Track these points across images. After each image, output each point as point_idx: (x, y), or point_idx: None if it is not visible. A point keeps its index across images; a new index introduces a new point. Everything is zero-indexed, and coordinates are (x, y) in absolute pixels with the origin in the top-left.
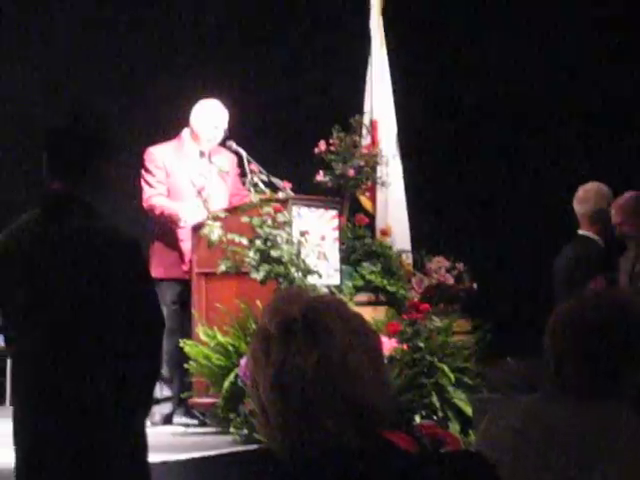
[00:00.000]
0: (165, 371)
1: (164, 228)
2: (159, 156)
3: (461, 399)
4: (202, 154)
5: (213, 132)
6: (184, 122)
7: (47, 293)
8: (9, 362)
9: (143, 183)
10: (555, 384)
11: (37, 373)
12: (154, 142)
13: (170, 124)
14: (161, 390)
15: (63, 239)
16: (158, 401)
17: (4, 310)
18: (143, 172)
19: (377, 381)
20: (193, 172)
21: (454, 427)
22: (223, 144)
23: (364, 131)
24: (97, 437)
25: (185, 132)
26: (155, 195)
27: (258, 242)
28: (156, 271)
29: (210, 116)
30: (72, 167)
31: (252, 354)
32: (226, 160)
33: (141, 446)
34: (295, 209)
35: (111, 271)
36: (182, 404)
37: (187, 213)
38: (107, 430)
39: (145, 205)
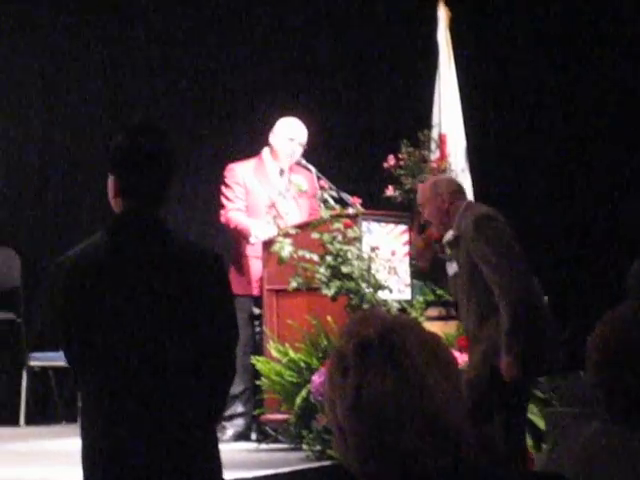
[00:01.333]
0: (237, 387)
1: (238, 244)
2: (240, 173)
3: (534, 413)
4: (282, 172)
5: (292, 148)
6: (264, 141)
7: (123, 311)
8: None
9: (222, 198)
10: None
11: (112, 395)
12: (234, 160)
13: (250, 142)
14: (234, 406)
15: (139, 258)
16: (232, 417)
17: (72, 330)
18: (223, 187)
19: (455, 400)
20: (272, 191)
21: (527, 441)
22: (299, 163)
23: (433, 145)
24: (173, 454)
25: (265, 151)
26: (232, 210)
27: (329, 258)
28: (232, 286)
29: (289, 132)
30: (140, 185)
31: (329, 375)
32: (304, 179)
33: (216, 463)
34: (365, 224)
35: (190, 287)
36: (254, 421)
37: (258, 229)
38: (183, 446)
39: (222, 219)
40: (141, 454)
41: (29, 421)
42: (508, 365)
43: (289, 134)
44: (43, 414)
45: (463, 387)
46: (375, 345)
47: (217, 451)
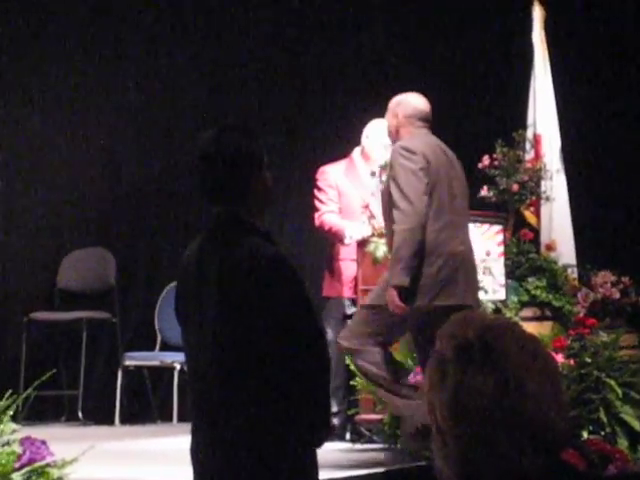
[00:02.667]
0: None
1: (331, 247)
2: (332, 175)
3: (629, 414)
4: (373, 174)
5: (383, 151)
6: (354, 141)
7: (198, 312)
8: (176, 378)
9: (315, 201)
10: None
11: (204, 394)
12: (325, 161)
13: (340, 143)
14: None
15: (212, 260)
16: None
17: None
18: (315, 190)
19: (555, 402)
20: (364, 192)
21: (622, 443)
22: None
23: (528, 145)
24: (269, 454)
25: (355, 152)
26: (326, 212)
27: None
28: (325, 288)
29: (381, 135)
30: (227, 189)
31: (428, 376)
32: None
33: (311, 463)
34: None
35: (273, 292)
36: (349, 421)
37: (352, 230)
38: (278, 447)
39: (316, 222)
40: (234, 450)
41: (124, 420)
42: (388, 296)
43: (385, 141)
44: (138, 413)
45: (563, 388)
46: (474, 347)
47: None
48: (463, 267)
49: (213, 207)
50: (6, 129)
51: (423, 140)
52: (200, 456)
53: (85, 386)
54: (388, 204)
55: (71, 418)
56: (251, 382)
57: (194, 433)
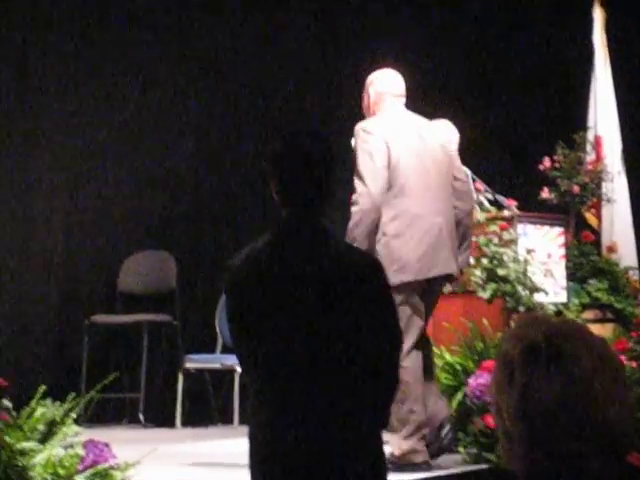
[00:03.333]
0: None
1: None
2: None
3: None
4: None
5: None
6: None
7: (284, 315)
8: (237, 380)
9: None
10: None
11: (279, 394)
12: None
13: None
14: None
15: (299, 263)
16: None
17: (238, 333)
18: None
19: (621, 405)
20: None
21: None
22: None
23: (588, 147)
24: (338, 456)
25: None
26: None
27: (484, 261)
28: None
29: None
30: (299, 190)
31: (495, 379)
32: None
33: (380, 465)
34: (521, 227)
35: (353, 291)
36: None
37: None
38: (349, 449)
39: None
40: (306, 454)
41: (185, 423)
42: None
43: None
44: (199, 416)
45: (630, 391)
46: (542, 349)
47: (382, 454)
48: (441, 238)
49: (284, 209)
50: (70, 133)
51: (388, 120)
52: (290, 452)
53: (146, 389)
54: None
55: (132, 421)
56: (344, 370)
57: (276, 433)
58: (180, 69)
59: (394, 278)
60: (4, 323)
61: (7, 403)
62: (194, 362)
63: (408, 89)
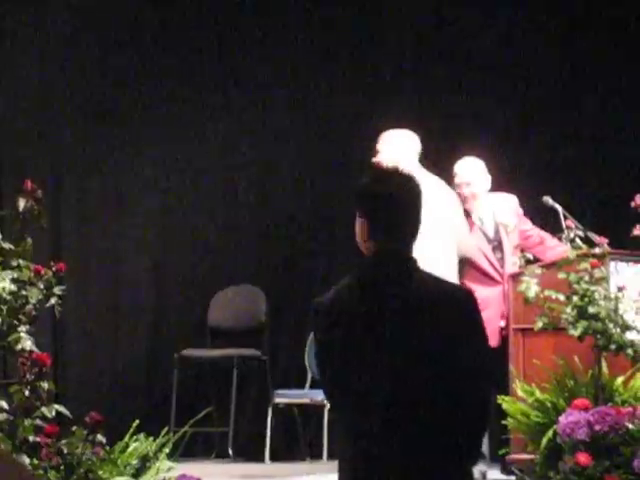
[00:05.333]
0: None
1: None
2: None
3: None
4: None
5: (464, 189)
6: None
7: (376, 353)
8: (326, 415)
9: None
10: None
11: (368, 430)
12: None
13: None
14: None
15: (390, 299)
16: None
17: (327, 370)
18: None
19: None
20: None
21: None
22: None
23: None
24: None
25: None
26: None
27: (575, 298)
28: None
29: (457, 172)
30: (391, 228)
31: None
32: (506, 213)
33: None
34: (612, 264)
35: (442, 326)
36: (499, 460)
37: None
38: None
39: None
40: None
41: (274, 458)
42: None
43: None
44: (288, 451)
45: None
46: None
47: None
48: None
49: (374, 244)
50: (160, 166)
51: None
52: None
53: (236, 423)
54: None
55: (221, 455)
56: (434, 405)
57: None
58: (271, 94)
59: None
60: (96, 356)
61: (101, 438)
62: (283, 397)
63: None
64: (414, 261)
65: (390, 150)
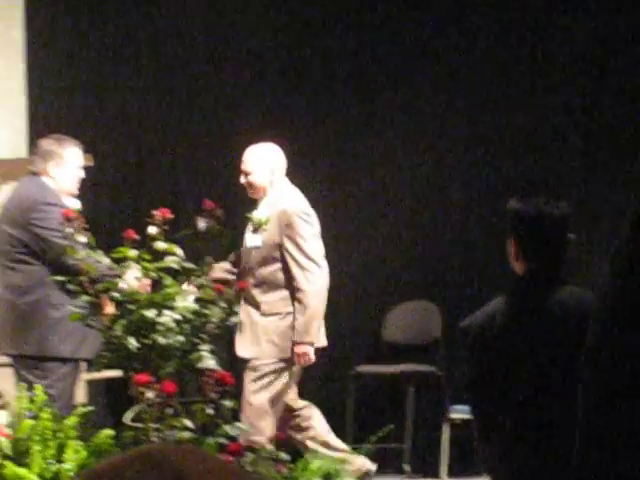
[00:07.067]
0: None
1: None
2: None
3: None
4: None
5: None
6: None
7: (525, 369)
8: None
9: None
10: None
11: (516, 453)
12: None
13: None
14: None
15: (539, 318)
16: None
17: (477, 388)
18: None
19: None
20: None
21: None
22: None
23: None
24: None
25: None
26: None
27: None
28: None
29: None
30: (541, 249)
31: None
32: None
33: None
34: None
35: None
36: None
37: None
38: None
39: None
40: None
41: (450, 473)
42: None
43: None
44: (464, 467)
45: None
46: None
47: None
48: None
49: (524, 265)
50: (334, 182)
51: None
52: None
53: (411, 439)
54: None
55: (397, 471)
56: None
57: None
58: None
59: None
60: None
61: (285, 455)
62: (459, 412)
63: None
64: (563, 280)
65: (257, 165)
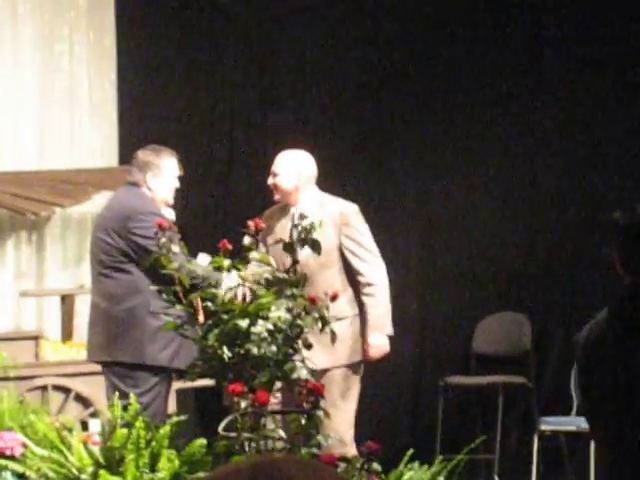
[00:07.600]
0: None
1: None
2: None
3: None
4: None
5: None
6: None
7: (633, 380)
8: (593, 444)
9: None
10: None
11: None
12: None
13: None
14: None
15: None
16: None
17: (589, 400)
18: None
19: None
20: None
21: None
22: None
23: None
24: None
25: None
26: None
27: None
28: None
29: None
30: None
31: None
32: None
33: None
34: None
35: None
36: None
37: None
38: None
39: None
40: None
41: None
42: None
43: None
44: (554, 478)
45: None
46: None
47: None
48: None
49: (628, 275)
50: (425, 197)
51: None
52: None
53: (501, 450)
54: None
55: None
56: None
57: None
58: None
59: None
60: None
61: (377, 466)
62: (549, 424)
63: None
64: None
65: (285, 167)
